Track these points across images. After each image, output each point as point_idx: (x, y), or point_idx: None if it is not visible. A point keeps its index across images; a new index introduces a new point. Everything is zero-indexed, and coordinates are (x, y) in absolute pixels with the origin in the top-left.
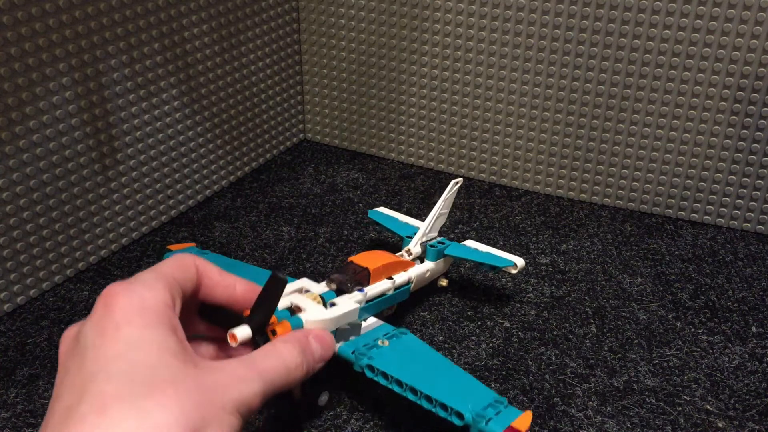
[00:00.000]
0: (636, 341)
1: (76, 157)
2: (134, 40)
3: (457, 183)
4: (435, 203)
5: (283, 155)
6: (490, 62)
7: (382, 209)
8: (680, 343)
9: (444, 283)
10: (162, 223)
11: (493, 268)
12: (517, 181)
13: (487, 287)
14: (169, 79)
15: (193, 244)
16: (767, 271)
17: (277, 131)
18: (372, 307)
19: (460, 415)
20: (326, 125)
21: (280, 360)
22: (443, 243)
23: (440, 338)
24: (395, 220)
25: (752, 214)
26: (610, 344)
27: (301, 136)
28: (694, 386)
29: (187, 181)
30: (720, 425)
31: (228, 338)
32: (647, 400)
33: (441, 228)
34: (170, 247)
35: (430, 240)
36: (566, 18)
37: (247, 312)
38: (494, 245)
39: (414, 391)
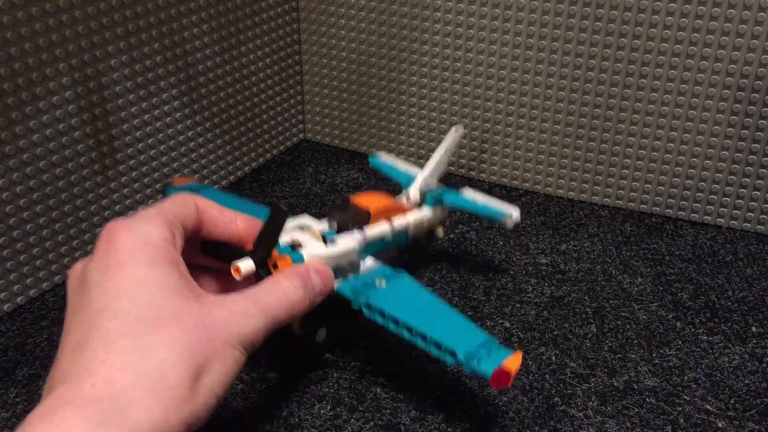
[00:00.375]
0: (636, 341)
1: (76, 157)
2: (134, 40)
3: (457, 129)
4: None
5: (283, 155)
6: (490, 62)
7: (383, 155)
8: (680, 343)
9: (441, 232)
10: None
11: (491, 219)
12: (517, 181)
13: (487, 287)
14: (169, 79)
15: (194, 179)
16: (767, 271)
17: (277, 131)
18: (370, 248)
19: (452, 354)
20: (326, 125)
21: (283, 294)
22: (442, 191)
23: None
24: (395, 168)
25: (752, 214)
26: (610, 344)
27: (301, 136)
28: (694, 386)
29: None
30: (720, 425)
31: (232, 271)
32: (647, 400)
33: (442, 175)
34: (173, 181)
35: (429, 188)
36: (566, 18)
37: (250, 246)
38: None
39: (409, 329)
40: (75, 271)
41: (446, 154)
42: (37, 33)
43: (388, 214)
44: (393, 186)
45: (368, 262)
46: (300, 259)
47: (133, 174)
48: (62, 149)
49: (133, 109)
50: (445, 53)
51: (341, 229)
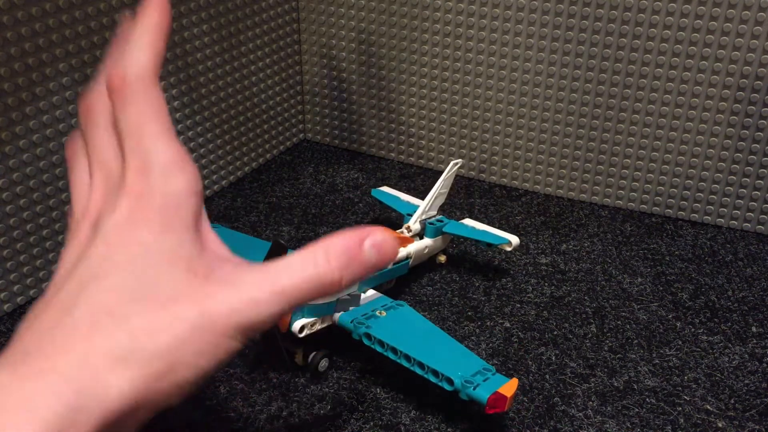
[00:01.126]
0: (636, 341)
1: None
2: None
3: (456, 163)
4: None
5: (283, 155)
6: (490, 62)
7: (385, 188)
8: (680, 343)
9: (442, 259)
10: None
11: (489, 245)
12: (517, 181)
13: (487, 287)
14: (169, 79)
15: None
16: (767, 271)
17: (277, 131)
18: (372, 279)
19: (449, 381)
20: (326, 125)
21: (314, 272)
22: (442, 221)
23: None
24: (397, 198)
25: (752, 214)
26: (610, 344)
27: (301, 136)
28: (694, 386)
29: None
30: (720, 425)
31: None
32: (647, 400)
33: (441, 206)
34: None
35: (429, 218)
36: (566, 18)
37: None
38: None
39: (408, 358)
40: (82, 225)
41: (445, 186)
42: (37, 33)
43: None
44: (396, 216)
45: (369, 293)
46: None
47: None
48: (62, 149)
49: None
50: (445, 53)
51: None
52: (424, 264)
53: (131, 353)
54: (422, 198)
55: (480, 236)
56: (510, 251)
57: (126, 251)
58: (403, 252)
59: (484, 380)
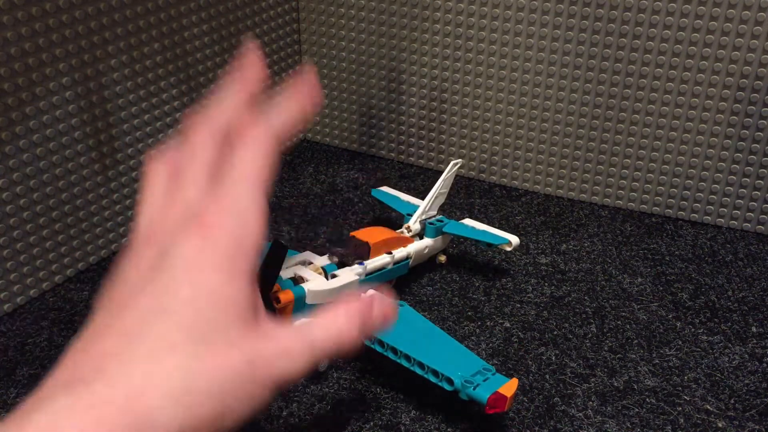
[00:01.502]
0: (636, 341)
1: (76, 157)
2: (134, 40)
3: (456, 164)
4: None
5: (283, 155)
6: (490, 62)
7: (385, 188)
8: (680, 343)
9: (442, 259)
10: None
11: (489, 245)
12: (517, 181)
13: (487, 287)
14: (169, 79)
15: None
16: (767, 271)
17: None
18: (372, 280)
19: (449, 381)
20: (326, 125)
21: (337, 333)
22: (442, 221)
23: None
24: (397, 198)
25: (752, 214)
26: (610, 344)
27: (301, 136)
28: (694, 386)
29: None
30: (720, 425)
31: None
32: (647, 400)
33: (441, 206)
34: None
35: (429, 218)
36: (566, 18)
37: None
38: None
39: (408, 358)
40: (146, 247)
41: (445, 186)
42: (37, 33)
43: (388, 246)
44: (396, 216)
45: (369, 294)
46: (302, 293)
47: (133, 174)
48: (62, 149)
49: (133, 109)
50: (446, 53)
51: (342, 263)
52: (424, 264)
53: (185, 394)
54: (422, 198)
55: (480, 236)
56: (510, 251)
57: (193, 291)
58: (403, 252)
59: (484, 380)
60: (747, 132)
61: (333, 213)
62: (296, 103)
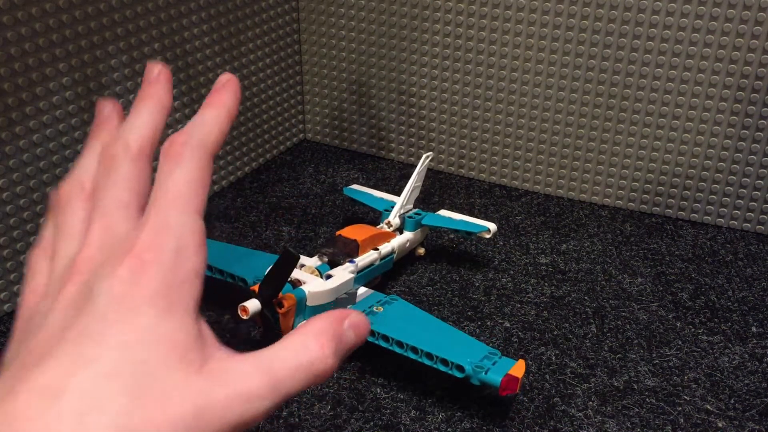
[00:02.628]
0: (636, 341)
1: (76, 157)
2: (134, 40)
3: (428, 156)
4: (412, 186)
5: (283, 155)
6: (490, 62)
7: (356, 186)
8: (680, 343)
9: (421, 252)
10: None
11: (468, 233)
12: (517, 181)
13: (487, 287)
14: None
15: None
16: (767, 271)
17: (277, 131)
18: (362, 276)
19: (460, 368)
20: (326, 125)
21: (308, 364)
22: (420, 214)
23: None
24: (370, 195)
25: (752, 214)
26: (610, 344)
27: (301, 136)
28: (694, 386)
29: None
30: (720, 425)
31: (239, 311)
32: (647, 400)
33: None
34: None
35: (407, 212)
36: (566, 18)
37: (255, 287)
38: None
39: (414, 350)
40: (73, 278)
41: (419, 180)
42: (37, 33)
43: (374, 242)
44: (367, 212)
45: (361, 290)
46: (302, 296)
47: None
48: (62, 149)
49: None
50: (446, 54)
51: (332, 263)
52: (425, 264)
53: None
54: (392, 193)
55: (458, 226)
56: (489, 239)
57: (123, 334)
58: (388, 247)
59: (493, 364)
60: (747, 132)
61: (333, 213)
62: (218, 109)
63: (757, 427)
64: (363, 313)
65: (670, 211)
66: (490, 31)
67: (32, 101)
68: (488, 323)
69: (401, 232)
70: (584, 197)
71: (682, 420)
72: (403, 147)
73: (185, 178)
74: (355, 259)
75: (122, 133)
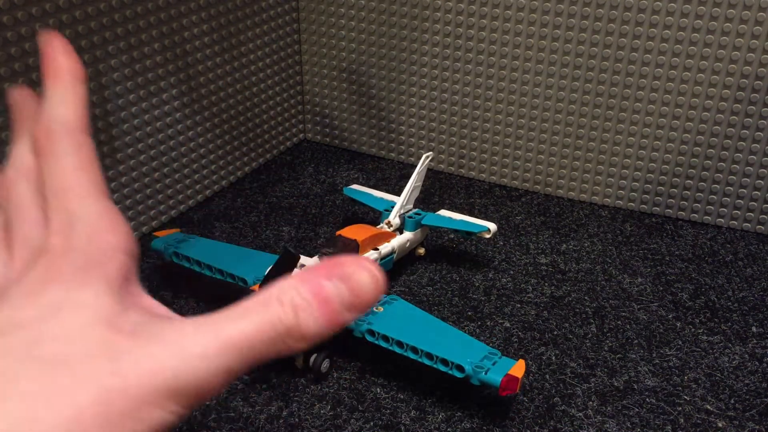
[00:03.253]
0: (636, 341)
1: None
2: (134, 40)
3: (428, 156)
4: (411, 185)
5: (283, 155)
6: (490, 62)
7: (356, 186)
8: (680, 343)
9: (421, 251)
10: (162, 223)
11: (469, 234)
12: (517, 181)
13: (487, 287)
14: (169, 79)
15: (178, 230)
16: (767, 271)
17: (277, 131)
18: None
19: (460, 368)
20: (326, 125)
21: (263, 318)
22: (420, 214)
23: None
24: (370, 195)
25: (752, 214)
26: (610, 344)
27: (301, 136)
28: (694, 386)
29: (187, 181)
30: (720, 425)
31: None
32: (647, 400)
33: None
34: (156, 233)
35: (407, 212)
36: (566, 18)
37: (255, 287)
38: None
39: (414, 350)
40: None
41: (419, 179)
42: (37, 33)
43: (374, 242)
44: (366, 212)
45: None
46: None
47: (133, 174)
48: None
49: (133, 109)
50: (446, 53)
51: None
52: (425, 264)
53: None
54: (392, 194)
55: (458, 226)
56: (489, 238)
57: (30, 310)
58: (388, 247)
59: (493, 364)
60: (747, 132)
61: (333, 213)
62: (63, 79)
63: (757, 427)
64: (370, 260)
65: (670, 211)
66: (490, 31)
67: None
68: (488, 323)
69: (401, 232)
70: (584, 197)
71: (682, 420)
72: (403, 147)
73: (68, 168)
74: None
75: (49, 112)
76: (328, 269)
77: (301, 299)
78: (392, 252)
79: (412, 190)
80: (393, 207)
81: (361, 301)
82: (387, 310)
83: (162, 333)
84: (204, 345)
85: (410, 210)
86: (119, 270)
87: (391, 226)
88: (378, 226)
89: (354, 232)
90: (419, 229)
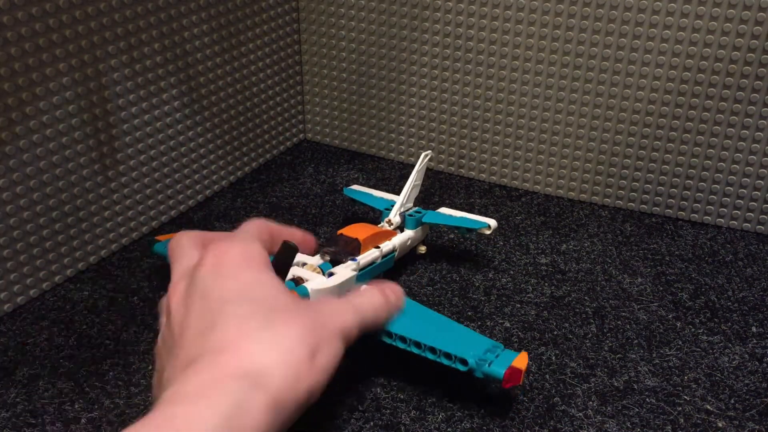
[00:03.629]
0: (636, 341)
1: (76, 157)
2: (134, 40)
3: (426, 155)
4: (413, 185)
5: (283, 155)
6: (490, 62)
7: (355, 186)
8: (680, 343)
9: (422, 249)
10: (162, 223)
11: (469, 230)
12: (517, 181)
13: (487, 287)
14: (169, 79)
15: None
16: (767, 271)
17: (277, 131)
18: (364, 275)
19: (463, 362)
20: (326, 125)
21: (370, 299)
22: (420, 212)
23: None
24: (370, 195)
25: (752, 214)
26: (610, 344)
27: (301, 136)
28: (694, 386)
29: (187, 181)
30: (720, 425)
31: None
32: (647, 400)
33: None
34: (158, 237)
35: (407, 210)
36: (566, 18)
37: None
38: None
39: (418, 344)
40: (178, 287)
41: (419, 178)
42: (37, 33)
43: (375, 241)
44: (367, 211)
45: (363, 288)
46: (305, 293)
47: (133, 174)
48: (62, 149)
49: (133, 109)
50: (445, 53)
51: (334, 261)
52: (425, 264)
53: (280, 345)
54: (393, 193)
55: (459, 222)
56: (489, 234)
57: (240, 284)
58: (389, 245)
59: (496, 357)
60: (747, 132)
61: (333, 213)
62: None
63: (757, 427)
64: (396, 284)
65: (670, 211)
66: (490, 31)
67: (32, 101)
68: (488, 323)
69: (402, 230)
70: (584, 197)
71: (682, 420)
72: (403, 147)
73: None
74: (357, 258)
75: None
76: (386, 287)
77: (390, 291)
78: (393, 250)
79: (412, 189)
80: (393, 206)
81: (400, 304)
82: None
83: (320, 302)
84: (348, 308)
85: (411, 208)
86: (267, 263)
87: (392, 224)
88: (379, 225)
89: (355, 231)
90: (420, 227)
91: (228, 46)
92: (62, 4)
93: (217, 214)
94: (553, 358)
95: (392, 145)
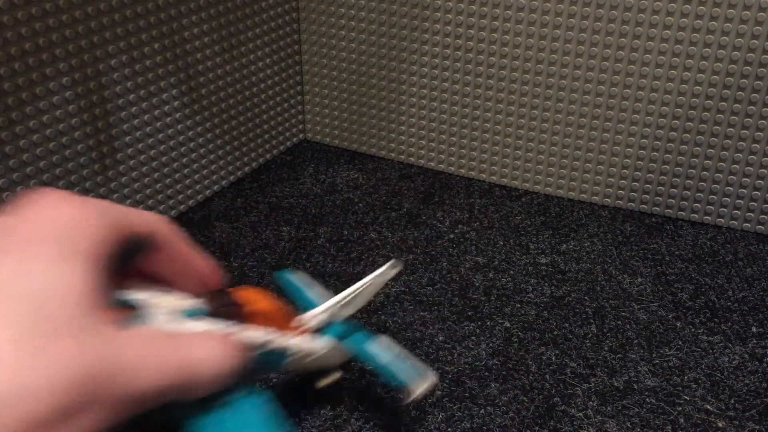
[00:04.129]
0: (636, 341)
1: (76, 157)
2: (134, 40)
3: (393, 266)
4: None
5: (283, 155)
6: (490, 62)
7: (293, 274)
8: (680, 343)
9: (331, 380)
10: None
11: (393, 382)
12: (517, 181)
13: (487, 287)
14: (169, 79)
15: None
16: (767, 271)
17: (277, 131)
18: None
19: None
20: (326, 125)
21: (219, 357)
22: (353, 328)
23: (440, 338)
24: (301, 290)
25: (752, 214)
26: (610, 344)
27: (301, 136)
28: (694, 386)
29: (187, 181)
30: (720, 425)
31: None
32: (647, 400)
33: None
34: None
35: (338, 319)
36: (566, 18)
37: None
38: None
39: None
40: None
41: (373, 288)
42: (37, 33)
43: (272, 322)
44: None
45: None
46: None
47: (133, 174)
48: (62, 149)
49: (133, 109)
50: (446, 53)
51: (213, 313)
52: (425, 264)
53: (13, 394)
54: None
55: (381, 371)
56: (417, 396)
57: (13, 280)
58: (281, 340)
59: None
60: (747, 132)
61: (333, 213)
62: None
63: (757, 427)
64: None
65: (670, 211)
66: (490, 31)
67: (32, 101)
68: (488, 323)
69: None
70: (584, 197)
71: (682, 420)
72: (403, 147)
73: None
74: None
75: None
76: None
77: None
78: (284, 350)
79: (356, 296)
80: (319, 305)
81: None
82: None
83: (128, 335)
84: (165, 360)
85: (343, 319)
86: (97, 250)
87: (303, 323)
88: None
89: (249, 295)
90: (339, 347)
91: (228, 46)
92: (62, 4)
93: (217, 214)
94: (553, 358)
95: (392, 145)
